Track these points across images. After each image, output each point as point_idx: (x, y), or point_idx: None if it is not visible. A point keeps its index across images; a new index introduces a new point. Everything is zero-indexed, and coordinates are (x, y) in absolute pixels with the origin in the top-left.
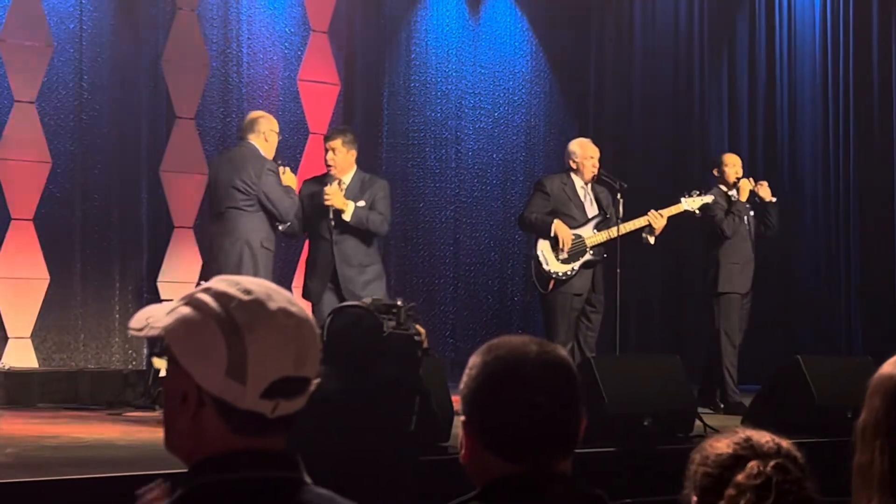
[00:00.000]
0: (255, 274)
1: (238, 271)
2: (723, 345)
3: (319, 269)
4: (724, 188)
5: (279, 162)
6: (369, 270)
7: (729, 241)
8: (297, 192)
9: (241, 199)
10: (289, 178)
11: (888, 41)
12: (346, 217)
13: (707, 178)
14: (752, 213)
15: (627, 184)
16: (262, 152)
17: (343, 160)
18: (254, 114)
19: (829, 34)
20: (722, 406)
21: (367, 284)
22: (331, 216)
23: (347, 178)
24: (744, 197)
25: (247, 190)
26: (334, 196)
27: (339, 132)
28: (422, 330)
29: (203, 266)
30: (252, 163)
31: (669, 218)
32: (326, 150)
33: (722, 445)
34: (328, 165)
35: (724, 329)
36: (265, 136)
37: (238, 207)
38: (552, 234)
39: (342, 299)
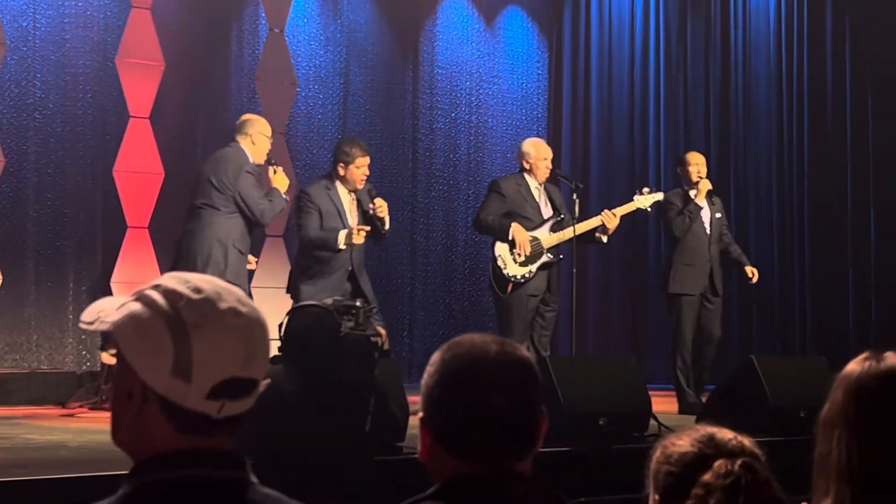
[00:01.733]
0: (223, 275)
1: (205, 270)
2: (675, 346)
3: (334, 278)
4: (685, 187)
5: (272, 162)
6: (365, 275)
7: (683, 242)
8: (288, 195)
9: (217, 198)
10: (279, 179)
11: (841, 41)
12: (386, 227)
13: (665, 177)
14: (717, 215)
15: (583, 183)
16: (249, 154)
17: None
18: (245, 116)
19: (784, 34)
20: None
21: (367, 287)
22: (355, 225)
23: None
24: (701, 197)
25: (223, 189)
26: (385, 208)
27: (367, 148)
28: (382, 331)
29: (174, 263)
30: (232, 163)
31: (623, 216)
32: (360, 167)
33: (684, 443)
34: (362, 182)
35: (675, 330)
36: (252, 138)
37: (214, 206)
38: (510, 238)
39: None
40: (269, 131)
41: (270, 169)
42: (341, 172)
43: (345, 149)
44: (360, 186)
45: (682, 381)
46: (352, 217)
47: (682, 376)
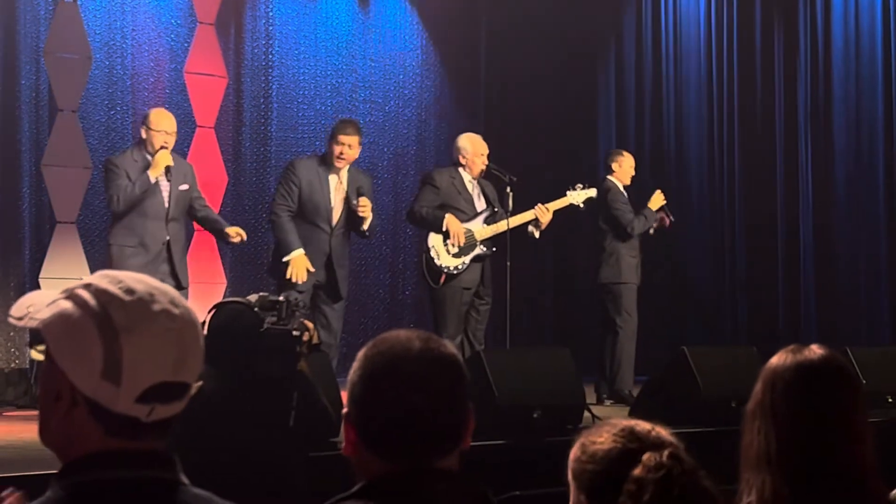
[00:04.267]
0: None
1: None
2: (627, 335)
3: (311, 259)
4: (616, 181)
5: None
6: (346, 267)
7: (625, 237)
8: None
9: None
10: (161, 157)
11: (770, 37)
12: (365, 226)
13: (595, 173)
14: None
15: (516, 177)
16: (147, 147)
17: (355, 156)
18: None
19: (714, 30)
20: (605, 397)
21: (344, 281)
22: (334, 213)
23: (345, 173)
24: (655, 206)
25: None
26: (368, 207)
27: (356, 129)
28: (310, 325)
29: None
30: None
31: (555, 211)
32: (340, 143)
33: (605, 440)
34: (340, 160)
35: (623, 318)
36: (143, 131)
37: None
38: (444, 229)
39: (337, 298)
40: (158, 125)
41: (161, 151)
42: (328, 150)
43: (335, 126)
44: (337, 165)
45: (629, 370)
46: (335, 198)
47: (629, 366)
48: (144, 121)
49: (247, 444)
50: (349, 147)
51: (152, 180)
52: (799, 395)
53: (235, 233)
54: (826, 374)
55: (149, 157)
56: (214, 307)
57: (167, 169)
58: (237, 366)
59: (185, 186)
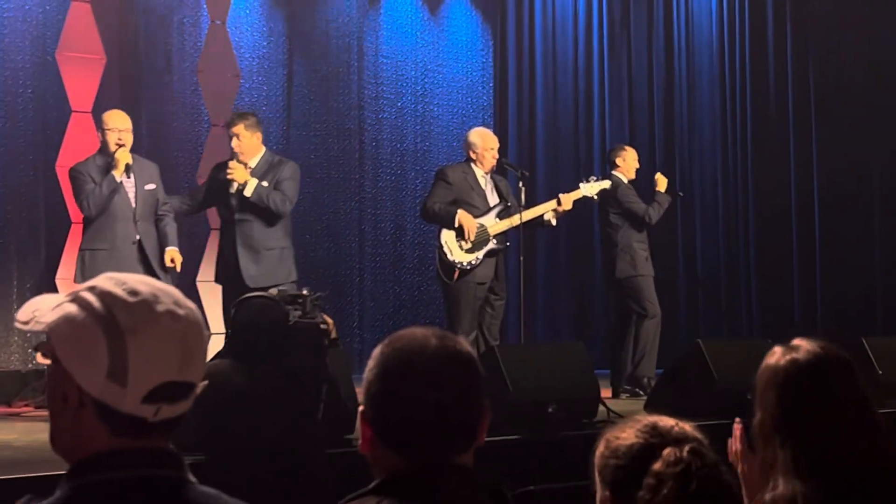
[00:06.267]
0: (82, 280)
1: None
2: (652, 322)
3: (225, 253)
4: (621, 176)
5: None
6: (270, 255)
7: (646, 228)
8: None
9: None
10: (120, 155)
11: (783, 26)
12: (247, 193)
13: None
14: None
15: (529, 171)
16: (106, 149)
17: (248, 144)
18: None
19: (726, 20)
20: (622, 390)
21: (270, 269)
22: (232, 196)
23: (254, 162)
24: (662, 188)
25: None
26: (237, 170)
27: (240, 117)
28: (329, 320)
29: None
30: None
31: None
32: (230, 137)
33: (628, 435)
34: (235, 152)
35: (647, 309)
36: (99, 135)
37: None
38: (456, 224)
39: (242, 284)
40: (110, 122)
41: (119, 151)
42: None
43: None
44: (241, 160)
45: (652, 356)
46: (235, 188)
47: (652, 351)
48: (99, 125)
49: (276, 439)
50: (237, 137)
51: (118, 179)
52: (820, 397)
53: (170, 259)
54: (836, 366)
55: (110, 160)
56: (237, 302)
57: (127, 167)
58: (265, 360)
59: (151, 186)
